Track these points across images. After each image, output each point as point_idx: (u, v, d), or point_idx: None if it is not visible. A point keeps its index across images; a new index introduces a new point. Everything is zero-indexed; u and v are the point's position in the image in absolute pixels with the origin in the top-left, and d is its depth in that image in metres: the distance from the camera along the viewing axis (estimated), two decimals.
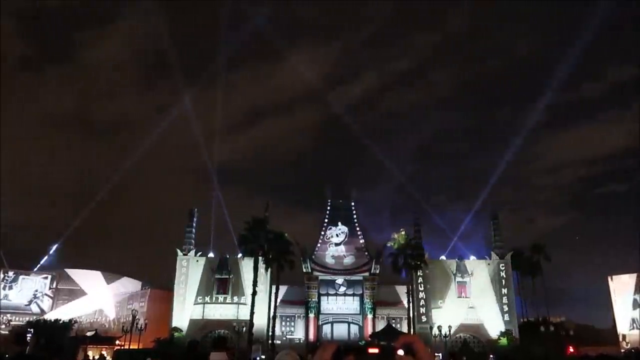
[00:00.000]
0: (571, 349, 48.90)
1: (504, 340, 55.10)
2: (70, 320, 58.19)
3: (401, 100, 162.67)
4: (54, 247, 76.66)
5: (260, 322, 55.27)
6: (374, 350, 1.77)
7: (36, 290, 74.30)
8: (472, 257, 61.76)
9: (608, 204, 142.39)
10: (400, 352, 1.75)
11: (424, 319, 57.33)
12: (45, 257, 75.62)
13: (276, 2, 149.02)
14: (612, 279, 66.04)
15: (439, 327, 54.91)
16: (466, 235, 64.87)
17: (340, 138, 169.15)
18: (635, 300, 63.28)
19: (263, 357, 51.51)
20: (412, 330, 55.49)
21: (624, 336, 62.25)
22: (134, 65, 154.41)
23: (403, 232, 60.48)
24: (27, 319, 64.97)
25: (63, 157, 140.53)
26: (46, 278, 75.44)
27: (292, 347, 52.74)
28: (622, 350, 58.26)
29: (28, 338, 49.00)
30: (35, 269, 75.38)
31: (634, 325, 62.40)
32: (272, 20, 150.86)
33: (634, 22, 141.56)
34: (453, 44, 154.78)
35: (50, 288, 75.20)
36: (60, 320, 58.54)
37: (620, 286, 65.08)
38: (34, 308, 73.01)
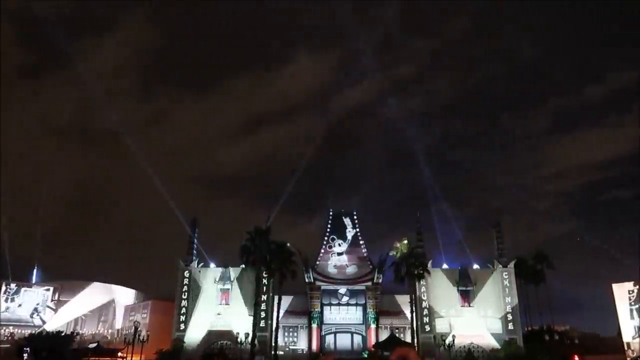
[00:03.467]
0: (576, 358, 48.62)
1: (508, 349, 54.64)
2: (72, 333, 58.00)
3: (403, 107, 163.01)
4: (42, 259, 76.57)
5: (263, 332, 55.03)
6: None
7: (37, 304, 74.20)
8: (475, 266, 61.50)
9: (611, 210, 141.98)
10: None
11: (427, 328, 56.93)
12: (35, 271, 75.25)
13: (276, 8, 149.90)
14: (616, 286, 65.66)
15: (443, 337, 54.56)
16: (469, 244, 64.56)
17: (341, 145, 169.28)
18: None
19: None
20: (415, 340, 55.13)
21: (628, 344, 61.77)
22: (132, 72, 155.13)
23: (405, 241, 60.29)
24: (30, 331, 64.86)
25: (62, 165, 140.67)
26: (48, 290, 75.36)
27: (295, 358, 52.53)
28: (628, 359, 57.89)
29: (25, 357, 48.65)
30: (35, 281, 75.19)
31: (639, 333, 61.94)
32: (272, 27, 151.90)
33: (635, 26, 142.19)
34: (454, 49, 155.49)
35: (52, 300, 75.09)
36: (62, 332, 58.35)
37: (626, 294, 64.67)
38: (36, 320, 72.88)
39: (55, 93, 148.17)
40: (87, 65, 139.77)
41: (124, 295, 78.17)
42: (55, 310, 74.55)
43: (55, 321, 72.52)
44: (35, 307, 73.70)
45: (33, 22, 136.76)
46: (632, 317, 63.16)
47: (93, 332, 72.01)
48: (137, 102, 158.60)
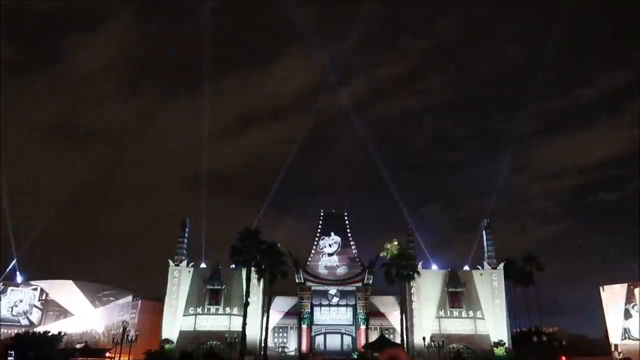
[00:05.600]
0: (564, 359, 48.99)
1: (497, 351, 54.98)
2: (59, 333, 57.39)
3: (393, 107, 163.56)
4: (30, 259, 75.28)
5: (253, 333, 54.85)
6: None
7: (23, 302, 73.28)
8: (465, 267, 61.80)
9: (600, 212, 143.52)
10: None
11: (417, 329, 57.09)
12: (17, 271, 73.97)
13: (266, 7, 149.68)
14: (603, 288, 66.26)
15: (432, 338, 54.74)
16: (459, 245, 64.96)
17: (331, 145, 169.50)
18: (627, 311, 63.48)
19: None
20: (405, 341, 55.27)
21: (616, 346, 62.35)
22: (121, 70, 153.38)
23: (396, 242, 60.43)
24: (16, 331, 64.08)
25: (49, 164, 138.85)
26: (35, 289, 74.47)
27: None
28: None
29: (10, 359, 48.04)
30: (21, 281, 74.22)
31: (626, 335, 62.57)
32: (262, 26, 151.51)
33: (625, 29, 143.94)
34: (445, 49, 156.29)
35: (39, 300, 74.24)
36: (49, 332, 57.70)
37: (612, 296, 65.27)
38: (23, 320, 72.02)
39: (42, 90, 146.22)
40: (75, 63, 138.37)
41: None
42: (43, 310, 73.75)
43: (44, 321, 71.80)
44: (22, 307, 72.82)
45: (19, 17, 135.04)
46: (619, 319, 63.77)
47: (81, 333, 71.23)
48: (127, 101, 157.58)
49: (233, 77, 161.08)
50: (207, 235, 65.15)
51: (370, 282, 61.55)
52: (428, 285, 59.33)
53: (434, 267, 61.59)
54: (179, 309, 57.45)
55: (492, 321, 58.00)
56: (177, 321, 56.91)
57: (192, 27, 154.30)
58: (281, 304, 61.26)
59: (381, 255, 60.05)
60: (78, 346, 56.27)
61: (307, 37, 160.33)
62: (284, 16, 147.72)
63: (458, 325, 57.68)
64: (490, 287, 59.58)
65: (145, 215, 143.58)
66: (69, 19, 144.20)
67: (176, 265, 59.42)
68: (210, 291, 58.35)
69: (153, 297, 66.14)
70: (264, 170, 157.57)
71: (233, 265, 57.38)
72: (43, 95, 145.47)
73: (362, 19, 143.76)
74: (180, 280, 58.72)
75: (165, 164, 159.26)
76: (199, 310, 57.65)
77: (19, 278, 74.29)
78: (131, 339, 49.36)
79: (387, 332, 58.60)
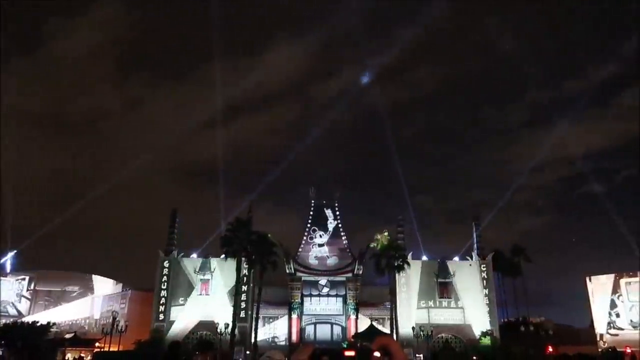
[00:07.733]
0: (550, 349, 49.71)
1: (485, 340, 55.68)
2: (48, 323, 57.13)
3: (383, 98, 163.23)
4: (18, 249, 74.70)
5: (243, 323, 55.00)
6: (350, 353, 1.76)
7: (13, 292, 72.79)
8: (455, 258, 62.32)
9: (588, 204, 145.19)
10: (377, 353, 1.74)
11: (406, 319, 57.59)
12: (8, 261, 73.25)
13: None
14: (590, 279, 67.20)
15: (421, 328, 55.28)
16: (449, 236, 65.53)
17: (321, 136, 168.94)
18: (612, 301, 64.50)
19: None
20: (395, 330, 55.74)
21: (601, 336, 63.40)
22: (107, 57, 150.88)
23: (386, 233, 60.70)
24: (4, 321, 63.65)
25: (35, 155, 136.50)
26: (24, 279, 73.99)
27: (274, 349, 52.60)
28: (600, 350, 59.48)
29: (1, 352, 47.78)
30: (10, 271, 73.68)
31: (612, 325, 63.63)
32: (251, 12, 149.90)
33: (615, 20, 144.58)
34: (435, 40, 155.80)
35: (28, 290, 73.79)
36: (37, 322, 57.43)
37: (598, 287, 66.25)
38: (11, 310, 71.58)
39: (25, 79, 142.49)
40: (58, 49, 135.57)
41: (103, 286, 77.32)
42: (32, 300, 73.33)
43: (33, 311, 71.41)
44: (10, 297, 72.34)
45: None
46: (605, 310, 64.78)
47: (70, 322, 70.98)
48: (112, 88, 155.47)
49: (222, 65, 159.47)
50: (198, 225, 65.16)
51: (361, 272, 61.83)
52: (418, 276, 59.81)
53: (424, 257, 62.05)
54: (170, 299, 57.43)
55: (480, 311, 58.66)
56: (167, 311, 56.92)
57: (180, 15, 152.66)
58: (271, 294, 61.39)
59: (371, 246, 60.28)
60: (67, 336, 56.05)
61: (297, 26, 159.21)
62: (273, 4, 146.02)
63: (447, 315, 58.29)
64: (479, 277, 60.19)
65: (135, 206, 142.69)
66: (53, 3, 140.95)
67: (166, 255, 59.29)
68: (201, 281, 58.40)
69: (143, 288, 66.01)
70: (254, 161, 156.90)
71: (223, 256, 57.35)
72: (26, 83, 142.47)
73: (352, 7, 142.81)
74: (170, 270, 58.64)
75: (155, 154, 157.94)
76: (190, 300, 57.65)
77: (8, 267, 73.78)
78: (121, 329, 49.29)
79: (376, 322, 58.96)
